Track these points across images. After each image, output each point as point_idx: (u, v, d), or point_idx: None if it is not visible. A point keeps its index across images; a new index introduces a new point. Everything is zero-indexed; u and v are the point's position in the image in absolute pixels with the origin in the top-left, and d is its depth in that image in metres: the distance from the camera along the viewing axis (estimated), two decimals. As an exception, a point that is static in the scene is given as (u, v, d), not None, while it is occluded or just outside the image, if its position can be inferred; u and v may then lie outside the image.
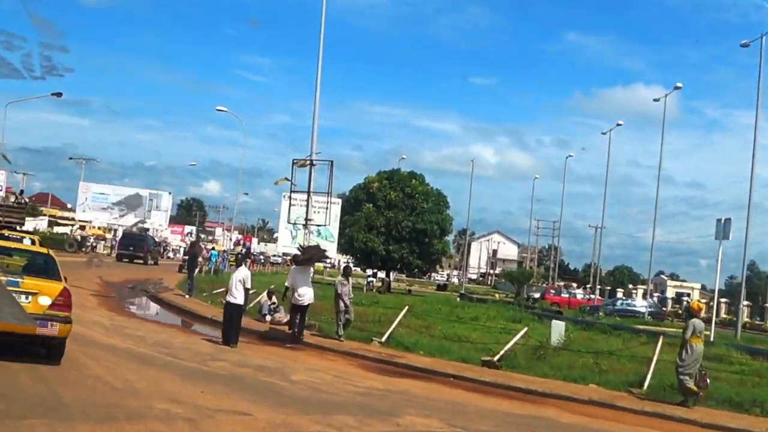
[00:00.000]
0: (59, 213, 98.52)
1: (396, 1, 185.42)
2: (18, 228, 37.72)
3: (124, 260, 51.75)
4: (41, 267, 11.30)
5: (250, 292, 17.26)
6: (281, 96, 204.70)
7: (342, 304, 18.06)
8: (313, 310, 19.59)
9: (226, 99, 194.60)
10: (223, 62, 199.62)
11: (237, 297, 16.03)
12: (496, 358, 16.03)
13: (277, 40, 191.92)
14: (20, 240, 30.12)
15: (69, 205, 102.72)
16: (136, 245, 54.73)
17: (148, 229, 74.14)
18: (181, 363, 12.98)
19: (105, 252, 64.31)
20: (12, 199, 50.16)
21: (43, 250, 12.53)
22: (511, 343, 17.00)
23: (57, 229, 73.55)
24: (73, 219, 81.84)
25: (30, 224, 73.34)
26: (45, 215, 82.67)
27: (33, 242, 29.23)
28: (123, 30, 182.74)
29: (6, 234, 20.41)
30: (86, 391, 9.49)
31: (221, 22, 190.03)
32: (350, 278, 19.27)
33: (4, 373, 9.78)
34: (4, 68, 7.78)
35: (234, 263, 56.88)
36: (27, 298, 10.01)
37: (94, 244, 65.97)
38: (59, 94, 50.71)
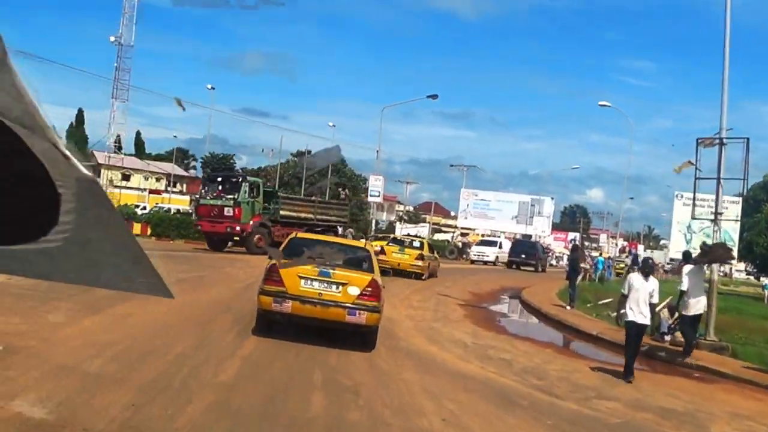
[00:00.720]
0: (442, 220, 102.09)
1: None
2: (341, 227, 38.40)
3: (514, 267, 50.69)
4: (358, 261, 11.79)
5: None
6: (664, 100, 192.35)
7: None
8: (721, 326, 15.91)
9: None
10: (605, 68, 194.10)
11: (647, 315, 11.73)
12: None
13: (661, 42, 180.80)
14: (409, 243, 31.45)
15: (452, 213, 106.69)
16: (527, 252, 53.57)
17: (530, 236, 72.58)
18: (556, 402, 9.29)
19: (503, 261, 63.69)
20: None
21: (360, 245, 13.63)
22: None
23: (438, 236, 74.95)
24: (455, 226, 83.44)
25: (412, 231, 76.15)
26: (428, 222, 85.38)
27: (421, 245, 31.68)
28: (504, 42, 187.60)
29: (392, 237, 19.91)
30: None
31: (603, 27, 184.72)
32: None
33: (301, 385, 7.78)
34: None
35: (621, 271, 53.33)
36: (337, 288, 10.63)
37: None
38: (435, 96, 50.75)
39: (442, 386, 9.12)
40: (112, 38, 74.66)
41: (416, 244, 31.41)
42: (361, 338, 11.02)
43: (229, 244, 32.57)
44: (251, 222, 31.46)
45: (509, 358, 12.49)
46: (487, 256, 54.19)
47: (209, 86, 66.30)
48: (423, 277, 28.38)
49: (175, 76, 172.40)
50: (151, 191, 79.19)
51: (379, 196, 61.22)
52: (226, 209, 31.17)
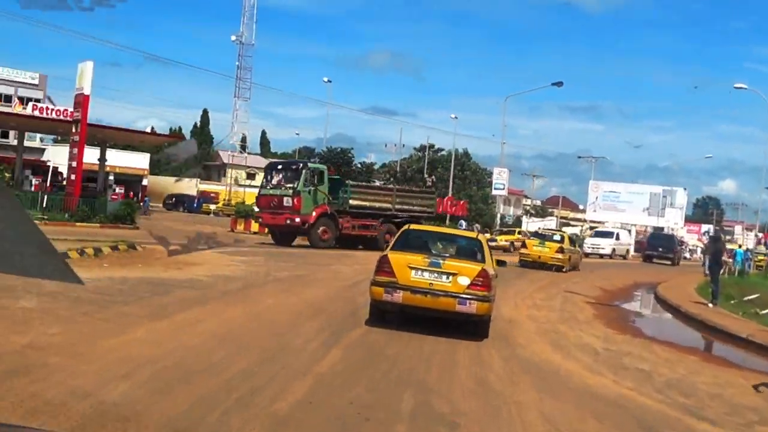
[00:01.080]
0: (570, 214, 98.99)
1: None
2: (426, 216, 34.86)
3: (653, 261, 48.33)
4: (469, 251, 11.89)
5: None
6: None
7: None
8: None
9: (738, 95, 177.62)
10: (734, 57, 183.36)
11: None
12: None
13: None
14: (549, 237, 32.19)
15: (581, 207, 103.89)
16: (665, 245, 50.98)
17: (662, 228, 68.83)
18: None
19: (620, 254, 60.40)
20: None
21: (472, 235, 13.66)
22: None
23: (567, 230, 72.22)
24: (583, 220, 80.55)
25: (539, 224, 73.63)
26: (555, 216, 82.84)
27: (561, 238, 32.11)
28: (630, 33, 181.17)
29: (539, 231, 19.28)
30: None
31: (730, 16, 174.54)
32: None
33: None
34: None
35: (761, 263, 49.58)
36: (447, 278, 10.69)
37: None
38: (560, 84, 48.68)
39: (565, 412, 7.36)
40: (233, 37, 76.13)
41: (557, 237, 32.38)
42: (474, 328, 11.13)
43: (298, 238, 30.42)
44: (314, 213, 29.17)
45: (648, 368, 10.62)
46: (603, 248, 50.91)
47: (326, 79, 66.01)
48: (564, 270, 29.46)
49: (302, 76, 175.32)
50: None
51: (503, 189, 59.45)
52: (285, 199, 29.15)
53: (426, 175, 58.61)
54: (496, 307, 12.93)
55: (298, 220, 28.74)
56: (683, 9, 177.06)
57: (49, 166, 56.90)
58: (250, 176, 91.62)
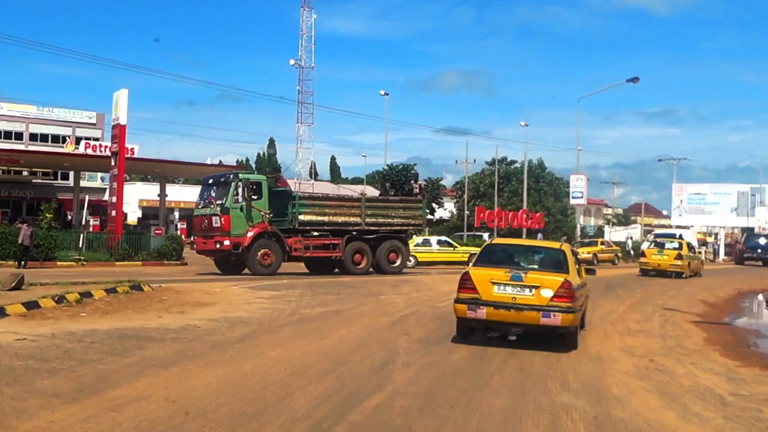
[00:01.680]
0: (654, 221, 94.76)
1: None
2: (413, 230, 30.53)
3: (749, 263, 44.53)
4: (551, 262, 11.60)
5: None
6: None
7: None
8: None
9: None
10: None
11: None
12: None
13: None
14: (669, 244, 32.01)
15: (664, 212, 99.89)
16: (765, 246, 47.09)
17: (752, 228, 63.70)
18: None
19: (708, 258, 55.76)
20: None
21: (555, 246, 12.88)
22: None
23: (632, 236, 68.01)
24: (669, 225, 76.13)
25: (622, 233, 69.39)
26: (639, 224, 78.65)
27: (680, 245, 31.92)
28: (699, 34, 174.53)
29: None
30: None
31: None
32: None
33: None
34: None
35: None
36: (530, 291, 10.61)
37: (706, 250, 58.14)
38: (635, 80, 45.15)
39: None
40: (292, 61, 74.14)
41: (675, 244, 32.69)
42: (561, 340, 11.10)
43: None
44: (249, 233, 24.08)
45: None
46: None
47: (382, 92, 63.31)
48: (684, 276, 30.12)
49: (370, 101, 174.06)
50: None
51: (582, 197, 55.55)
52: (214, 219, 24.33)
53: (414, 181, 53.77)
54: (581, 339, 11.89)
55: (228, 243, 23.96)
56: (751, 7, 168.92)
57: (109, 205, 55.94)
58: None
